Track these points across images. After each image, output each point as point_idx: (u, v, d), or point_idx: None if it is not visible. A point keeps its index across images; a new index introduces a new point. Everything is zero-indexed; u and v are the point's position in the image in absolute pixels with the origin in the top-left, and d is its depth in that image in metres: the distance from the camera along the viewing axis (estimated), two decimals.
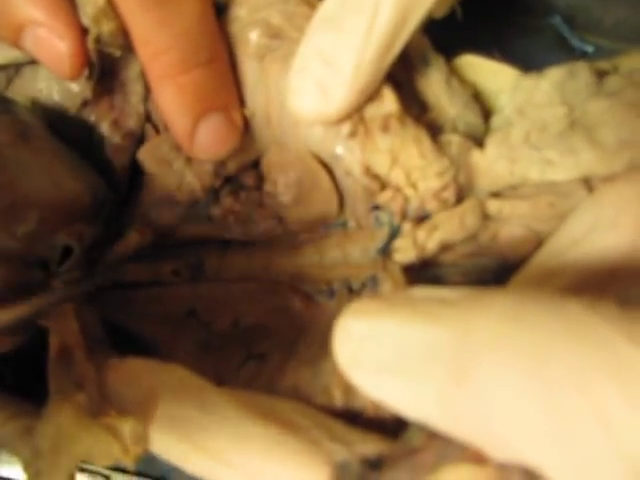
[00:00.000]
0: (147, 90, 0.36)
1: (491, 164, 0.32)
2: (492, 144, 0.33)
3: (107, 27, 0.32)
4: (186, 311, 0.36)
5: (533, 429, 0.20)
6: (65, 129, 0.37)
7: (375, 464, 0.25)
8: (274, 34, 0.33)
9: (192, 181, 0.35)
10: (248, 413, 0.29)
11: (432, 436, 0.24)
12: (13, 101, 0.37)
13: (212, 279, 0.37)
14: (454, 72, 0.36)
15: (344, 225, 0.35)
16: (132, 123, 0.36)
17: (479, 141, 0.34)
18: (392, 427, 0.29)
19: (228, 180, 0.36)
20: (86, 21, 0.32)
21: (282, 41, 0.33)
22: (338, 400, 0.31)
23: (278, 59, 0.33)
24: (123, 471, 0.41)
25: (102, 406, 0.29)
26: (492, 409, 0.20)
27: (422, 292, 0.25)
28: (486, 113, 0.36)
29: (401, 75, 0.35)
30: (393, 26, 0.30)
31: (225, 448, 0.28)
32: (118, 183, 0.37)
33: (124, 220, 0.37)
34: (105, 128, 0.36)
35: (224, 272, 0.37)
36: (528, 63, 0.37)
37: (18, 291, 0.33)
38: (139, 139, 0.37)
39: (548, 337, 0.20)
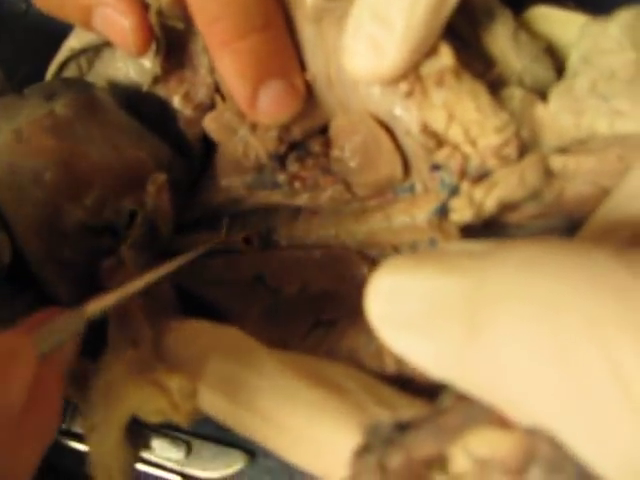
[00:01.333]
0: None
1: (555, 117, 0.30)
2: (555, 96, 0.31)
3: (165, 0, 0.33)
4: (254, 277, 0.37)
5: (545, 387, 0.18)
6: (141, 105, 0.39)
7: (405, 426, 0.24)
8: None
9: (256, 147, 0.35)
10: (296, 375, 0.29)
11: (460, 398, 0.23)
12: (89, 82, 0.39)
13: (281, 246, 0.37)
14: (524, 25, 0.34)
15: (412, 189, 0.34)
16: (202, 95, 0.37)
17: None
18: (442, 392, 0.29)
19: (294, 146, 0.36)
20: None
21: (338, 2, 0.33)
22: (389, 366, 0.30)
23: (335, 21, 0.33)
24: (202, 437, 0.43)
25: (152, 363, 0.30)
26: (505, 365, 0.19)
27: (457, 246, 0.24)
28: (561, 67, 0.34)
29: (466, 29, 0.34)
30: None
31: (271, 409, 0.28)
32: (193, 154, 0.38)
33: (199, 188, 0.39)
34: (177, 101, 0.37)
35: (293, 239, 0.37)
36: (604, 6, 0.34)
37: (90, 258, 0.35)
38: (210, 110, 0.37)
39: (566, 285, 0.19)
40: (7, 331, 0.28)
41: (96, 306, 0.30)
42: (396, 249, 0.34)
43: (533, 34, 0.34)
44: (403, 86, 0.31)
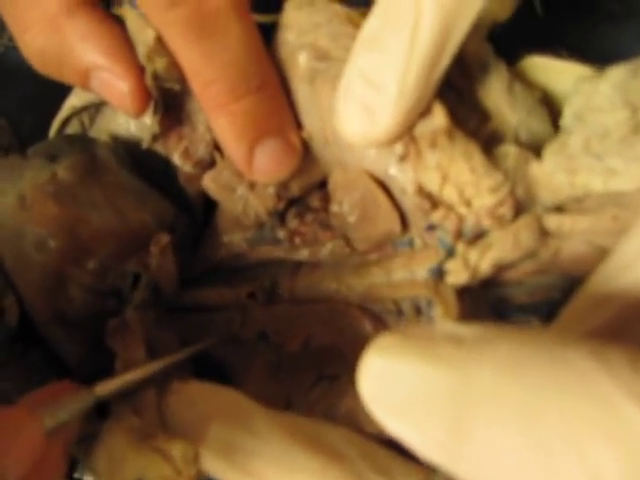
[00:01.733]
0: None
1: (550, 176, 0.30)
2: (550, 154, 0.30)
3: (160, 64, 0.33)
4: (258, 334, 0.37)
5: None
6: (143, 160, 0.39)
7: None
8: (322, 56, 0.33)
9: (256, 205, 0.36)
10: (297, 442, 0.29)
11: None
12: (92, 139, 0.39)
13: (284, 301, 0.37)
14: (518, 76, 0.34)
15: (411, 243, 0.34)
16: (201, 151, 0.37)
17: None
18: None
19: (293, 202, 0.36)
20: (142, 60, 0.34)
21: (330, 62, 0.33)
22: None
23: (328, 81, 0.33)
24: None
25: (154, 430, 0.30)
26: (488, 471, 0.20)
27: (442, 328, 0.24)
28: (556, 117, 0.34)
29: (460, 82, 0.34)
30: (435, 42, 0.29)
31: (270, 475, 0.28)
32: (194, 209, 0.39)
33: (202, 244, 0.39)
34: (176, 158, 0.38)
35: (295, 293, 0.37)
36: (612, 55, 0.34)
37: (96, 320, 0.36)
38: (210, 166, 0.37)
39: (546, 392, 0.19)
40: (16, 404, 0.28)
41: (106, 387, 0.30)
42: (397, 304, 0.34)
43: (527, 84, 0.34)
44: (398, 148, 0.31)
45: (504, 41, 0.34)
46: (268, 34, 0.35)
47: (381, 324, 0.35)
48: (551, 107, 0.34)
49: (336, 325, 0.36)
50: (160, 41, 0.33)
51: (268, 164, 0.34)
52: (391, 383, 0.23)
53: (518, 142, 0.32)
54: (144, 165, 0.39)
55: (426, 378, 0.22)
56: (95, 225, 0.36)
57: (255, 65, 0.33)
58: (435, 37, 0.29)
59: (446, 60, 0.30)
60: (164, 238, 0.36)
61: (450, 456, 0.21)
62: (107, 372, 0.35)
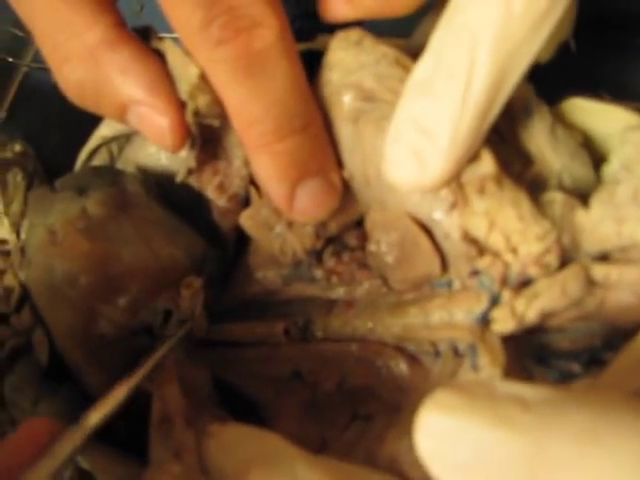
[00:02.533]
0: None
1: (596, 224, 0.30)
2: (597, 203, 0.31)
3: (203, 101, 0.33)
4: (292, 372, 0.37)
5: None
6: (173, 192, 0.39)
7: None
8: (367, 97, 0.33)
9: (294, 243, 0.35)
10: None
11: None
12: (120, 171, 0.39)
13: (318, 339, 0.37)
14: (560, 118, 0.34)
15: (449, 284, 0.34)
16: (236, 186, 0.37)
17: (589, 194, 0.32)
18: None
19: (330, 240, 0.36)
20: (183, 96, 0.33)
21: (375, 104, 0.33)
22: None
23: (372, 122, 0.33)
24: None
25: (195, 475, 0.30)
26: None
27: (505, 388, 0.24)
28: (598, 159, 0.34)
29: (503, 125, 0.34)
30: (489, 93, 0.29)
31: None
32: (226, 244, 0.39)
33: (233, 279, 0.39)
34: (211, 192, 0.37)
35: (329, 332, 0.37)
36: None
37: (127, 356, 0.35)
38: (244, 201, 0.37)
39: (627, 465, 0.19)
40: None
41: (96, 415, 0.30)
42: (434, 345, 0.34)
43: (568, 125, 0.34)
44: (446, 195, 0.31)
45: (541, 82, 0.35)
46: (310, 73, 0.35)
47: (417, 364, 0.34)
48: (591, 149, 0.34)
49: (371, 365, 0.35)
50: (203, 78, 0.33)
51: (309, 204, 0.34)
52: (455, 443, 0.23)
53: (562, 187, 0.33)
54: (174, 198, 0.39)
55: (496, 441, 0.22)
56: (126, 261, 0.36)
57: (300, 105, 0.33)
58: (489, 88, 0.29)
59: (497, 109, 0.30)
60: (196, 282, 0.36)
61: None
62: (137, 409, 0.35)
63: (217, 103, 0.33)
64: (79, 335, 0.35)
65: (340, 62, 0.34)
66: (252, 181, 0.37)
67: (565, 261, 0.31)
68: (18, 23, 0.55)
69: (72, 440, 0.28)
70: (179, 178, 0.37)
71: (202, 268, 0.37)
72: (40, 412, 0.37)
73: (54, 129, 0.52)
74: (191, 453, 0.31)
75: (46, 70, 0.41)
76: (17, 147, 0.47)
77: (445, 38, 0.30)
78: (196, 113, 0.34)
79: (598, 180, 0.34)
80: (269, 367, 0.37)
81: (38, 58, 0.58)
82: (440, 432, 0.24)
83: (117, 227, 0.36)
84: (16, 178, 0.45)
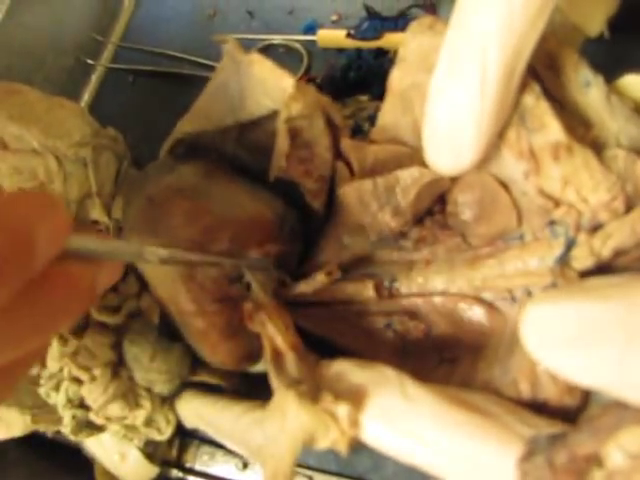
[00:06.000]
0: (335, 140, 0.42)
1: None
2: None
3: (295, 108, 0.40)
4: (384, 325, 0.41)
5: None
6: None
7: (560, 436, 0.29)
8: None
9: (383, 224, 0.40)
10: (446, 402, 0.33)
11: (608, 406, 0.29)
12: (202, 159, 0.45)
13: (403, 295, 0.41)
14: (613, 91, 0.38)
15: (522, 237, 0.38)
16: (322, 169, 0.42)
17: None
18: (574, 415, 0.33)
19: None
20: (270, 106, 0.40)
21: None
22: (525, 392, 0.34)
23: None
24: (324, 471, 0.47)
25: (320, 393, 0.33)
26: None
27: (594, 281, 0.31)
28: None
29: (559, 93, 0.38)
30: (504, 83, 0.34)
31: (428, 432, 0.32)
32: (314, 218, 0.44)
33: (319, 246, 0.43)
34: (299, 178, 0.42)
35: (412, 287, 0.41)
36: None
37: (224, 303, 0.40)
38: (330, 180, 0.42)
39: None
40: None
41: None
42: (510, 292, 0.38)
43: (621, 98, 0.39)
44: (521, 167, 0.36)
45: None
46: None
47: (495, 311, 0.39)
48: None
49: (452, 314, 0.40)
50: (297, 88, 0.38)
51: None
52: (560, 324, 0.29)
53: (619, 146, 0.37)
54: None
55: (596, 313, 0.27)
56: (218, 213, 0.40)
57: None
58: (502, 80, 0.34)
59: (512, 96, 0.35)
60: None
61: (623, 365, 0.26)
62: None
63: (307, 107, 0.39)
64: (181, 285, 0.40)
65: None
66: (339, 157, 0.41)
67: (629, 206, 0.35)
68: (97, 27, 0.60)
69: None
70: (271, 176, 0.42)
71: (284, 221, 0.42)
72: (156, 367, 0.41)
73: (131, 122, 0.57)
74: (310, 379, 0.35)
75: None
76: (111, 132, 0.50)
77: (456, 40, 0.35)
78: (288, 119, 0.39)
79: None
80: (362, 321, 0.42)
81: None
82: (545, 319, 0.29)
83: (206, 189, 0.41)
84: (108, 162, 0.49)
